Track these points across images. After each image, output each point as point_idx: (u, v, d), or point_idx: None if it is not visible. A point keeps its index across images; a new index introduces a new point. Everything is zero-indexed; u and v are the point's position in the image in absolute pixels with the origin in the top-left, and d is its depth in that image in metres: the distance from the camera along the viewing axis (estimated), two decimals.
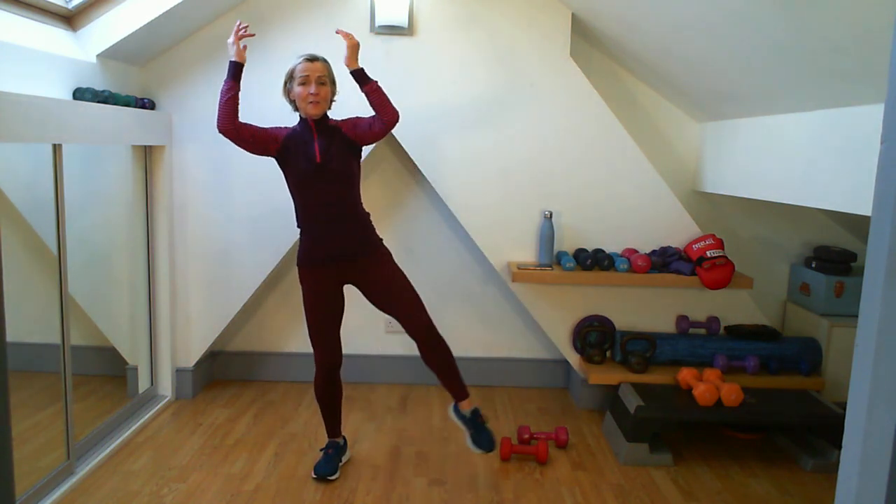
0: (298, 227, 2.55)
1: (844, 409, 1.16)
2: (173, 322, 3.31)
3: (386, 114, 2.45)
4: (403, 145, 3.25)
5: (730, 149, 3.13)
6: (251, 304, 3.54)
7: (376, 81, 2.48)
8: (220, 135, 2.45)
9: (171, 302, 3.27)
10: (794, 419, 2.79)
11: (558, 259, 3.27)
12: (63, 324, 2.50)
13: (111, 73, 2.94)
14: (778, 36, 2.14)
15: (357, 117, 2.56)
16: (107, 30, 2.81)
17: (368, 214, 2.61)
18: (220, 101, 2.43)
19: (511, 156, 3.26)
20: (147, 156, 3.17)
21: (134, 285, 3.23)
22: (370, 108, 2.51)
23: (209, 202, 3.27)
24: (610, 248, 3.33)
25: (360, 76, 2.47)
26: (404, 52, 3.19)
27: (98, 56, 2.83)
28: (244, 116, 3.20)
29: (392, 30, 3.16)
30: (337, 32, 2.51)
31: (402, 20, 3.13)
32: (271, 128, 2.53)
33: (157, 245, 3.23)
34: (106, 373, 3.26)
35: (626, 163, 3.25)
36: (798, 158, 2.52)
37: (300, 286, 2.58)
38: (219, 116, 2.43)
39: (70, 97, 2.64)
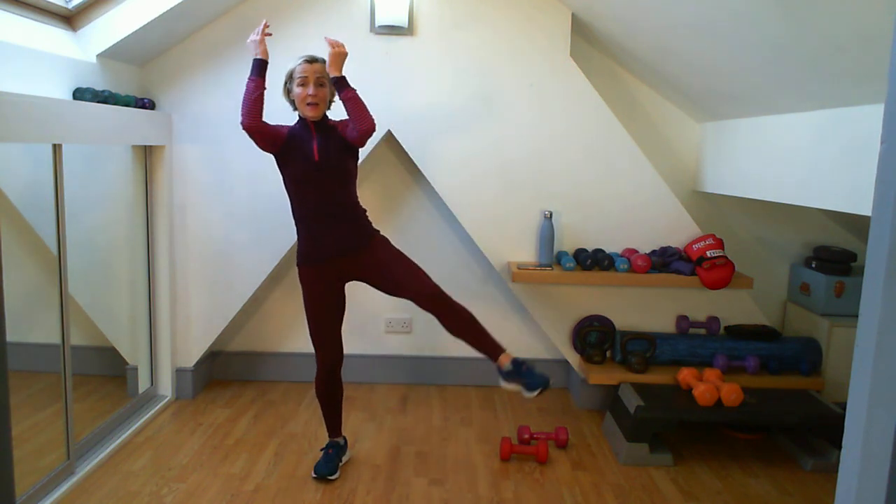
0: (296, 225, 2.56)
1: (844, 409, 1.16)
2: (173, 322, 3.31)
3: (361, 122, 2.42)
4: (403, 145, 3.25)
5: (730, 149, 3.13)
6: (251, 304, 3.54)
7: (355, 90, 2.45)
8: (244, 130, 2.43)
9: (171, 302, 3.27)
10: (794, 419, 2.78)
11: (558, 259, 3.27)
12: (63, 324, 2.50)
13: (111, 73, 2.94)
14: (778, 36, 2.14)
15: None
16: (107, 30, 2.81)
17: (365, 210, 2.61)
18: (248, 99, 2.41)
19: (511, 156, 3.26)
20: (147, 156, 3.17)
21: (134, 285, 3.23)
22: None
23: (209, 202, 3.27)
24: (610, 248, 3.33)
25: (339, 83, 2.45)
26: (404, 52, 3.19)
27: (98, 56, 2.83)
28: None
29: (392, 30, 3.16)
30: (326, 39, 2.49)
31: (402, 20, 3.13)
32: (276, 125, 2.54)
33: (157, 245, 3.23)
34: (106, 373, 3.26)
35: (626, 163, 3.25)
36: (798, 158, 2.52)
37: (300, 286, 2.58)
38: (246, 113, 2.41)
39: (70, 97, 2.64)
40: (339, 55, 2.44)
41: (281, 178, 2.57)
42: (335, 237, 2.50)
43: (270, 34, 2.54)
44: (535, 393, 2.43)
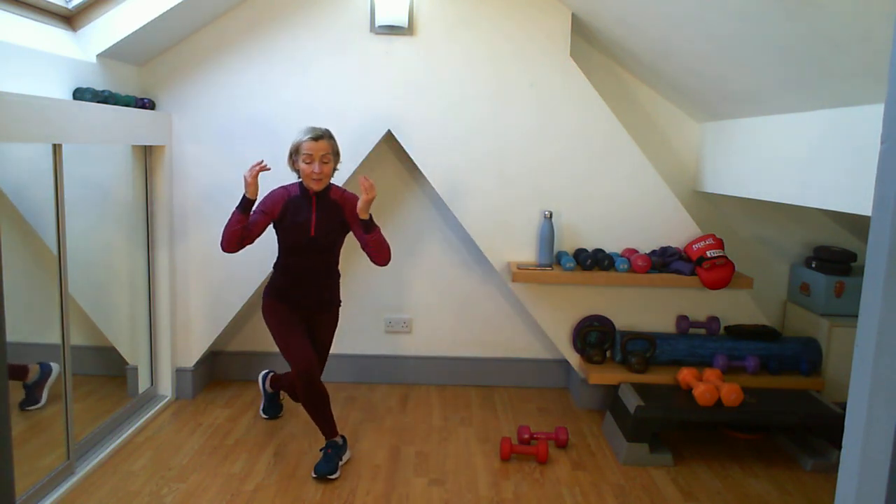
0: (275, 266, 2.75)
1: (844, 409, 1.16)
2: (173, 322, 3.31)
3: (379, 258, 2.66)
4: (403, 145, 3.25)
5: (730, 149, 3.13)
6: (251, 305, 3.54)
7: (379, 230, 2.64)
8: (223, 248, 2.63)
9: (171, 302, 3.27)
10: (794, 419, 2.78)
11: (558, 259, 3.27)
12: (63, 324, 2.50)
13: (111, 73, 2.94)
14: (778, 36, 2.14)
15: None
16: (107, 30, 2.81)
17: (339, 275, 2.81)
18: (229, 230, 2.59)
19: (511, 156, 3.26)
20: (147, 156, 3.17)
21: (134, 285, 3.23)
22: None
23: (209, 202, 3.27)
24: (610, 248, 3.33)
25: (366, 225, 2.61)
26: (404, 52, 3.19)
27: (98, 56, 2.83)
28: (246, 117, 3.20)
29: (392, 30, 3.16)
30: (360, 181, 2.56)
31: (402, 20, 3.13)
32: (267, 200, 2.67)
33: (157, 245, 3.23)
34: (106, 373, 3.25)
35: (626, 163, 3.25)
36: (798, 158, 2.52)
37: (263, 317, 2.76)
38: (224, 241, 2.61)
39: (70, 97, 2.64)
40: (372, 201, 2.58)
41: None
42: (309, 295, 2.73)
43: (268, 168, 2.60)
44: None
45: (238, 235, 2.59)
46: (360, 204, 2.57)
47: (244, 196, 2.58)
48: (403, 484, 2.61)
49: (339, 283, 2.84)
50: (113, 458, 2.74)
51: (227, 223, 2.59)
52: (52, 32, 2.65)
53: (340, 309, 2.87)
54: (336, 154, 2.65)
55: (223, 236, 2.60)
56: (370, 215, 2.61)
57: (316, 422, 2.70)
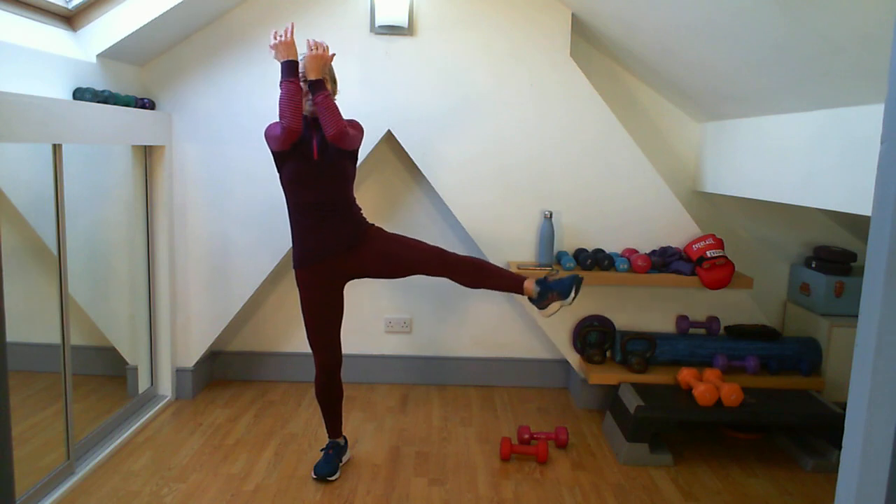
0: (291, 227, 2.53)
1: (844, 409, 1.16)
2: (173, 322, 3.31)
3: (326, 128, 2.36)
4: (403, 145, 3.25)
5: (730, 149, 3.13)
6: (251, 304, 3.54)
7: (326, 94, 2.37)
8: (286, 131, 2.34)
9: (171, 302, 3.27)
10: (794, 419, 2.79)
11: (558, 259, 3.27)
12: (63, 324, 2.50)
13: (111, 73, 2.94)
14: (778, 36, 2.14)
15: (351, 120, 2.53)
16: (107, 30, 2.81)
17: (360, 209, 2.59)
18: (291, 101, 2.33)
19: (511, 156, 3.26)
20: (147, 156, 3.17)
21: (134, 285, 3.23)
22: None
23: (209, 202, 3.27)
24: (610, 248, 3.33)
25: (312, 86, 2.39)
26: (404, 52, 3.19)
27: (98, 56, 2.83)
28: (246, 117, 3.19)
29: (392, 30, 3.16)
30: (307, 41, 2.43)
31: (402, 20, 3.13)
32: None
33: (157, 245, 3.23)
34: (106, 373, 3.26)
35: (626, 163, 3.25)
36: (798, 158, 2.52)
37: (297, 289, 2.57)
38: (290, 116, 2.33)
39: (70, 97, 2.64)
40: (315, 59, 2.39)
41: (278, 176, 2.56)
42: (331, 235, 2.48)
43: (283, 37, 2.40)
44: (573, 295, 2.46)
45: (300, 104, 2.35)
46: (306, 61, 2.37)
47: (285, 62, 2.35)
48: (403, 484, 2.62)
49: (361, 217, 2.56)
50: (113, 458, 2.74)
51: (285, 98, 2.32)
52: (52, 32, 2.65)
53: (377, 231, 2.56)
54: (333, 80, 2.51)
55: (286, 110, 2.32)
56: (320, 79, 2.37)
57: (325, 419, 2.71)
